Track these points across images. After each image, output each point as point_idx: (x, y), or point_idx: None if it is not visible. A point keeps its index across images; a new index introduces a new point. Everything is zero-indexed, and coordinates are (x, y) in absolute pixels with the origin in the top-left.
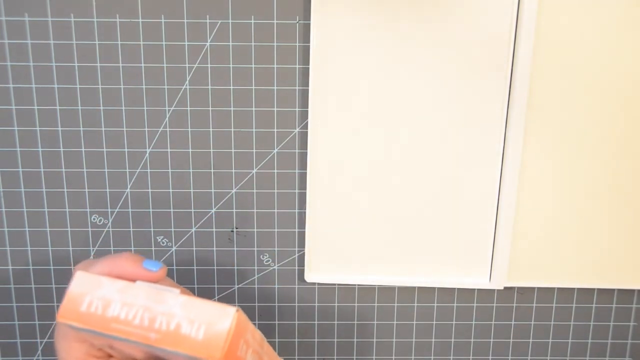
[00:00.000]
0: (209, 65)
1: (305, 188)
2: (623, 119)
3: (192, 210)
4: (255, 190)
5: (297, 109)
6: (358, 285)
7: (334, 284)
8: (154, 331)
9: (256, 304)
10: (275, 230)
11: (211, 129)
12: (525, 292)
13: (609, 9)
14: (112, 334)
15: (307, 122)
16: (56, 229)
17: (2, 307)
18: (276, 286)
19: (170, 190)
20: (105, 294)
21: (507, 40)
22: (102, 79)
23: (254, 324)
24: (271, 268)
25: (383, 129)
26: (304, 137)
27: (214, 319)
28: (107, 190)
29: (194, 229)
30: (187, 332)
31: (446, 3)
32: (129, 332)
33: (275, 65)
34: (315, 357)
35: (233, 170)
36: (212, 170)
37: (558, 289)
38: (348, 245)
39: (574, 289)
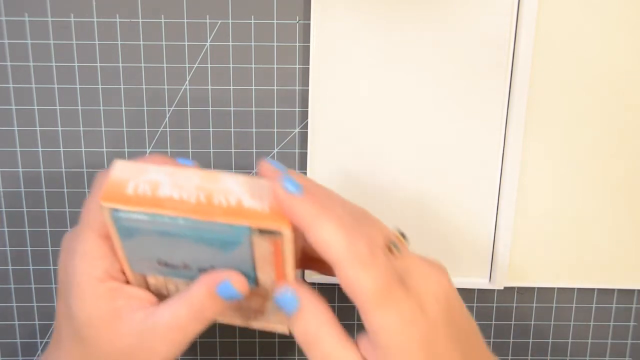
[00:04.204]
0: (209, 65)
1: None
2: (623, 118)
3: None
4: None
5: (297, 109)
6: None
7: (334, 284)
8: (214, 207)
9: None
10: None
11: (211, 129)
12: (525, 292)
13: (609, 8)
14: (168, 212)
15: (307, 122)
16: (56, 229)
17: (2, 307)
18: None
19: None
20: (153, 178)
21: (507, 40)
22: (102, 79)
23: None
24: None
25: (383, 129)
26: (304, 137)
27: None
28: None
29: None
30: (251, 206)
31: (446, 3)
32: (186, 210)
33: (275, 65)
34: None
35: (233, 170)
36: None
37: (558, 289)
38: None
39: (574, 289)
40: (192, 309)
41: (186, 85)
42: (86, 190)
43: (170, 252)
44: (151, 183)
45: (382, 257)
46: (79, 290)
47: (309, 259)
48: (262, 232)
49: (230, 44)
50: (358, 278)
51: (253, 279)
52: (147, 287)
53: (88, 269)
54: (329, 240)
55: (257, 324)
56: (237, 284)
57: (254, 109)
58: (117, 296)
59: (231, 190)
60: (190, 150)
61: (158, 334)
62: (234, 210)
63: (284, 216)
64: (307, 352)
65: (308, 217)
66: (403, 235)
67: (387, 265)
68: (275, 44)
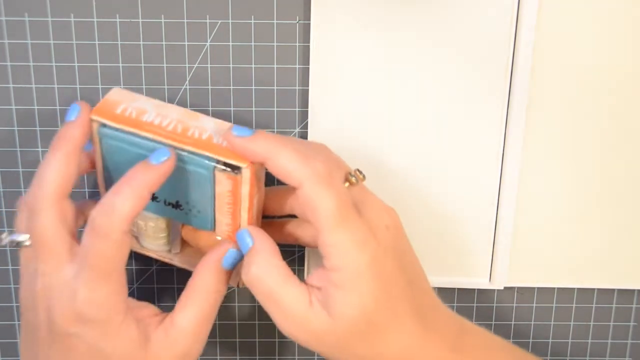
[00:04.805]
0: (209, 65)
1: None
2: (623, 118)
3: None
4: None
5: (297, 109)
6: None
7: None
8: (186, 137)
9: (256, 305)
10: None
11: None
12: (525, 292)
13: (610, 8)
14: (144, 133)
15: (307, 122)
16: None
17: (2, 307)
18: None
19: None
20: (141, 105)
21: (507, 40)
22: (102, 79)
23: (254, 324)
24: None
25: (383, 129)
26: (304, 137)
27: None
28: None
29: None
30: (219, 142)
31: (446, 3)
32: (161, 134)
33: (275, 65)
34: (315, 357)
35: None
36: None
37: (558, 289)
38: None
39: (574, 289)
40: (211, 296)
41: (186, 85)
42: (86, 190)
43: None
44: (138, 109)
45: (339, 179)
46: (107, 328)
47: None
48: (224, 166)
49: (230, 44)
50: (319, 196)
51: (211, 222)
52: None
53: (111, 304)
54: (287, 164)
55: None
56: (234, 246)
57: (254, 109)
58: (138, 317)
59: (206, 128)
60: None
61: (189, 338)
62: (202, 143)
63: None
64: (254, 292)
65: (263, 151)
66: (362, 174)
67: (344, 188)
68: (275, 44)
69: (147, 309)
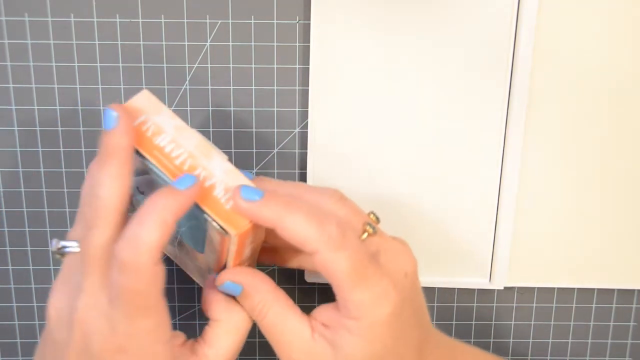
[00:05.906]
0: (209, 65)
1: None
2: (624, 118)
3: None
4: None
5: (297, 109)
6: None
7: None
8: None
9: None
10: None
11: (211, 129)
12: (525, 292)
13: (609, 7)
14: (150, 158)
15: (307, 122)
16: (56, 229)
17: (2, 307)
18: None
19: None
20: (161, 122)
21: (507, 40)
22: (102, 79)
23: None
24: (271, 268)
25: (383, 129)
26: (304, 137)
27: None
28: None
29: None
30: (218, 196)
31: (446, 3)
32: (165, 166)
33: (275, 65)
34: None
35: None
36: None
37: (558, 289)
38: None
39: (574, 289)
40: (240, 331)
41: (186, 85)
42: None
43: (147, 186)
44: (156, 127)
45: (353, 238)
46: (146, 358)
47: (272, 252)
48: (216, 224)
49: (230, 44)
50: (333, 261)
51: (202, 248)
52: (133, 206)
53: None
54: (299, 232)
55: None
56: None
57: (254, 109)
58: (174, 347)
59: (213, 173)
60: None
61: None
62: (202, 192)
63: (239, 221)
64: (258, 325)
65: (273, 217)
66: (376, 216)
67: (358, 245)
68: (275, 44)
69: (178, 338)
